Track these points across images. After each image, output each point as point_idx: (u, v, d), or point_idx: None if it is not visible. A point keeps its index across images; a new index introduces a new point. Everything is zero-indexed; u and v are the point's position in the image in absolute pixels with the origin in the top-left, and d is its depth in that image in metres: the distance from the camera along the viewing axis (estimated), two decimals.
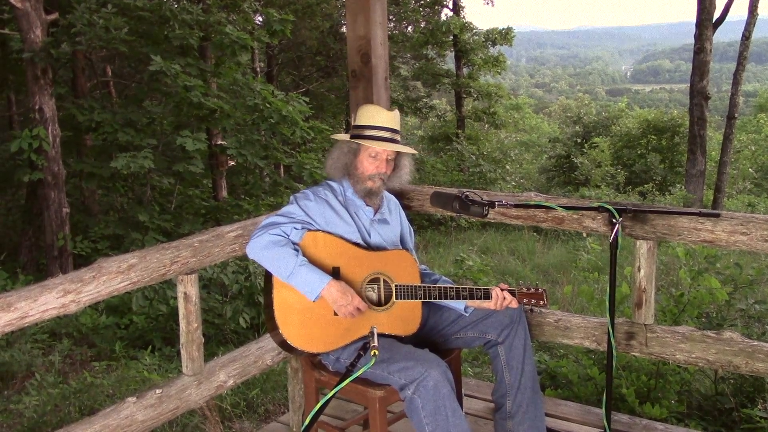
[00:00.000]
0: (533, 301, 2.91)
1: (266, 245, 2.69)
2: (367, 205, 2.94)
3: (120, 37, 9.68)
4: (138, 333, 7.32)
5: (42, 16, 9.64)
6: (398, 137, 2.87)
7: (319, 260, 2.72)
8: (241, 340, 6.84)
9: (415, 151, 2.99)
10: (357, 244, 2.83)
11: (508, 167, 22.88)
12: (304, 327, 2.70)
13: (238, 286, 7.33)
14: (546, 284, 8.57)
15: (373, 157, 2.85)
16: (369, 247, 2.88)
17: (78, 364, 6.58)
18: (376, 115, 2.85)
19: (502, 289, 2.86)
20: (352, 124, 2.91)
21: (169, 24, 10.31)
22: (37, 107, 9.58)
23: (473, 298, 2.86)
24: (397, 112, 2.90)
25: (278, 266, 2.66)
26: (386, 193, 3.07)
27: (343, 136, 2.95)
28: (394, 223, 3.06)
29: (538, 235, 13.47)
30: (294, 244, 2.73)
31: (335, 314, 2.71)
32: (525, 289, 2.92)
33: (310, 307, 2.69)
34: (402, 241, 3.09)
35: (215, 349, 6.39)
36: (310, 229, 2.76)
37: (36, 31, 9.48)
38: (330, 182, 2.95)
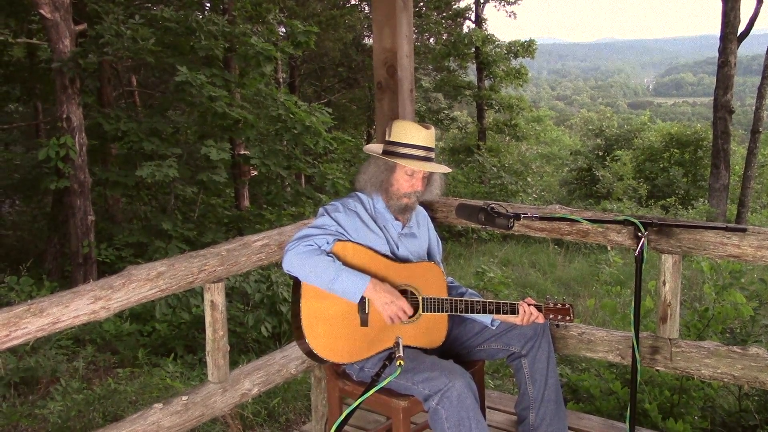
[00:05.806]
0: (559, 316, 2.90)
1: (302, 256, 2.68)
2: (396, 220, 2.94)
3: (147, 48, 9.81)
4: (160, 340, 7.37)
5: (71, 27, 9.79)
6: (433, 155, 2.86)
7: None
8: (262, 348, 6.87)
9: (449, 170, 2.98)
10: (385, 256, 2.83)
11: (529, 179, 22.82)
12: (330, 337, 2.71)
13: (260, 295, 7.35)
14: (567, 297, 8.53)
15: (410, 176, 2.84)
16: (396, 259, 2.89)
17: (102, 370, 6.65)
18: (412, 133, 2.83)
19: (528, 304, 2.86)
20: (386, 139, 2.89)
21: (195, 35, 10.45)
22: (64, 116, 9.71)
23: (499, 313, 2.86)
24: (432, 130, 2.88)
25: (318, 274, 2.65)
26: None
27: (376, 147, 2.95)
28: (422, 237, 3.07)
29: (559, 248, 13.42)
30: (327, 253, 2.73)
31: (362, 325, 2.72)
32: (552, 305, 2.91)
33: (337, 318, 2.71)
34: (429, 254, 3.10)
35: (237, 357, 6.43)
36: (340, 239, 2.77)
37: (65, 41, 9.63)
38: (359, 194, 2.94)
